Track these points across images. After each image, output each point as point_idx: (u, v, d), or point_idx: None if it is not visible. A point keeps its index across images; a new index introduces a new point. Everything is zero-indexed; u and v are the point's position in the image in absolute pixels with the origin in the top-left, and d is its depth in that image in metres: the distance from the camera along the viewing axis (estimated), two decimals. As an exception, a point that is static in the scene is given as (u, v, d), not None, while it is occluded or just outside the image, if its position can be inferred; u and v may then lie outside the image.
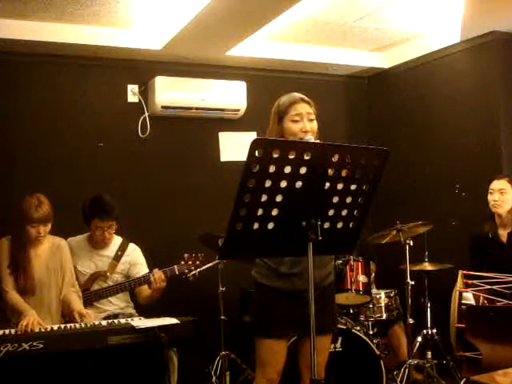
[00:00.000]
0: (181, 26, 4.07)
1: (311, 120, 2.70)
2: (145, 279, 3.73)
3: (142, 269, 3.87)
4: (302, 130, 2.66)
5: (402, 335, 4.42)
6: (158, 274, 3.70)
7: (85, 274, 3.76)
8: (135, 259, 3.89)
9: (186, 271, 3.85)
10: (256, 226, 2.09)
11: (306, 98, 2.75)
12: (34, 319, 3.02)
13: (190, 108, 4.75)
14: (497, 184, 3.97)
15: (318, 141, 2.60)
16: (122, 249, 3.86)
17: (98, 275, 3.79)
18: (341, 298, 3.96)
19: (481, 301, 3.75)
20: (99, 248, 3.83)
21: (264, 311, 2.76)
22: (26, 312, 3.15)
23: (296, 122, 2.68)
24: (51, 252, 3.45)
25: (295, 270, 2.68)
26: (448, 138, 4.80)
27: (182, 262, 3.86)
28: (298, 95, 2.75)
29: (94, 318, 3.28)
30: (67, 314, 3.34)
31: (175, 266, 3.81)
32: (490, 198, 3.98)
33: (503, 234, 4.01)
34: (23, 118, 4.38)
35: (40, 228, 3.31)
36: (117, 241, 3.90)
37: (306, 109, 2.70)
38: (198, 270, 3.90)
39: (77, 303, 3.36)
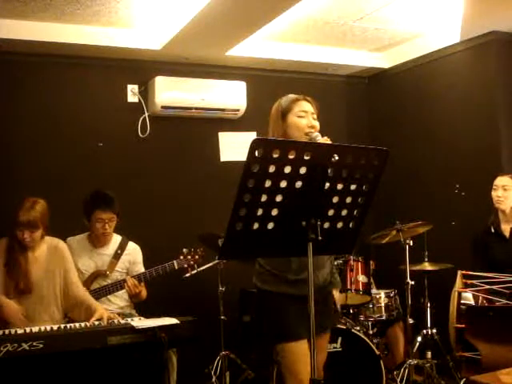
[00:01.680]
0: (181, 26, 4.07)
1: (314, 118, 2.72)
2: (120, 285, 3.76)
3: (139, 267, 3.89)
4: (308, 125, 2.67)
5: (400, 335, 4.43)
6: (131, 281, 3.73)
7: (85, 272, 3.76)
8: (135, 258, 3.90)
9: (186, 266, 3.86)
10: (256, 226, 2.08)
11: (308, 98, 2.76)
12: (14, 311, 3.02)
13: (190, 108, 4.75)
14: (500, 180, 4.03)
15: (325, 137, 2.61)
16: (122, 247, 3.87)
17: (97, 274, 3.79)
18: (341, 298, 3.96)
19: (480, 301, 3.75)
20: (99, 246, 3.84)
21: (277, 318, 2.69)
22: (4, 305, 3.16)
23: (301, 117, 2.69)
24: (49, 254, 3.40)
25: (302, 276, 2.65)
26: (448, 138, 4.80)
27: (181, 257, 3.87)
28: (299, 95, 2.77)
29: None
30: (85, 317, 3.25)
31: (174, 261, 3.83)
32: (493, 193, 4.04)
33: (506, 228, 4.04)
34: (23, 117, 4.38)
35: (25, 232, 3.22)
36: (116, 239, 3.90)
37: (309, 107, 2.72)
38: (197, 270, 3.91)
39: (99, 306, 3.31)
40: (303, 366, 2.66)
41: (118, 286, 3.76)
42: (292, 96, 2.76)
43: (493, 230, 4.07)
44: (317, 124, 2.71)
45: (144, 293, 3.83)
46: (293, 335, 2.66)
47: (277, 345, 2.72)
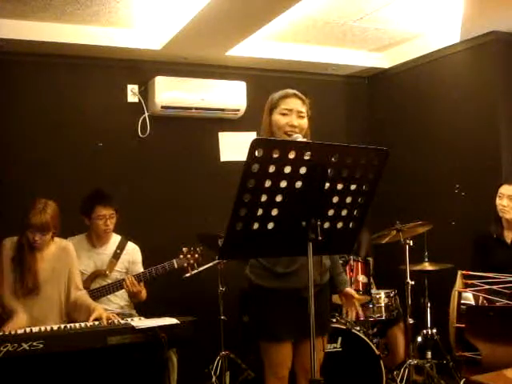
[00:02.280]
0: (181, 26, 4.07)
1: (301, 117, 2.67)
2: (119, 284, 3.76)
3: (138, 267, 3.90)
4: (289, 124, 2.63)
5: (400, 336, 4.43)
6: (130, 279, 3.73)
7: (85, 272, 3.77)
8: (135, 258, 3.91)
9: (185, 265, 3.86)
10: (256, 226, 2.08)
11: (300, 95, 2.71)
12: (18, 326, 3.03)
13: (190, 108, 4.75)
14: (507, 189, 3.92)
15: (305, 139, 2.57)
16: (121, 247, 3.88)
17: (97, 274, 3.79)
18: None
19: (480, 301, 3.75)
20: (98, 246, 3.85)
21: (264, 316, 2.73)
22: (14, 315, 3.16)
23: (284, 115, 2.65)
24: (57, 255, 3.42)
25: (291, 268, 2.67)
26: (448, 138, 4.80)
27: (181, 256, 3.87)
28: (291, 91, 2.72)
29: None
30: (85, 318, 3.25)
31: (174, 260, 3.83)
32: (498, 201, 3.95)
33: (508, 235, 4.01)
34: (23, 117, 4.38)
35: (36, 235, 3.24)
36: (115, 239, 3.91)
37: (297, 105, 2.67)
38: (198, 270, 3.91)
39: (98, 306, 3.32)
40: (284, 368, 2.70)
41: (118, 285, 3.76)
42: (282, 92, 2.72)
43: (495, 236, 4.04)
44: (301, 123, 2.65)
45: (144, 293, 3.83)
46: (276, 337, 2.69)
47: (260, 342, 2.75)
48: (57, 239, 3.44)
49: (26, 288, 3.26)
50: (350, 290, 3.10)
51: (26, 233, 3.26)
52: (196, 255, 3.91)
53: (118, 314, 3.68)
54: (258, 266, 2.74)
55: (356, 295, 3.11)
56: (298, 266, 2.65)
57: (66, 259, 3.43)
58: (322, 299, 2.71)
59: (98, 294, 3.72)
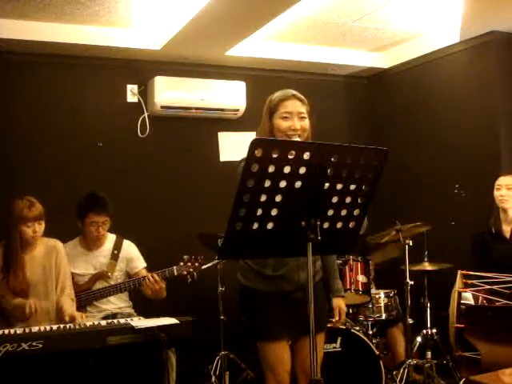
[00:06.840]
0: (180, 26, 4.07)
1: (302, 118, 2.64)
2: (138, 282, 3.75)
3: (138, 263, 3.88)
4: (291, 128, 2.61)
5: (399, 336, 4.43)
6: (151, 278, 3.70)
7: (84, 275, 3.76)
8: (130, 254, 3.89)
9: (185, 273, 3.85)
10: (255, 225, 2.08)
11: (299, 95, 2.68)
12: (34, 302, 3.10)
13: (190, 108, 4.75)
14: (504, 180, 4.03)
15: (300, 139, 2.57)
16: (118, 247, 3.86)
17: (99, 276, 3.79)
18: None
19: (480, 301, 3.75)
20: (94, 249, 3.84)
21: (257, 316, 2.74)
22: (24, 302, 3.20)
23: (285, 118, 2.62)
24: (47, 253, 3.45)
25: (280, 272, 2.67)
26: (447, 138, 4.80)
27: (182, 264, 3.86)
28: (290, 92, 2.68)
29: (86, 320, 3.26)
30: (61, 318, 3.32)
31: (174, 267, 3.81)
32: (496, 193, 4.04)
33: (507, 229, 4.05)
34: (22, 118, 4.38)
35: (35, 227, 3.33)
36: (111, 239, 3.90)
37: (296, 107, 2.64)
38: (196, 272, 3.90)
39: (69, 306, 3.34)
40: (282, 366, 2.69)
41: (121, 287, 3.76)
42: (281, 94, 2.68)
43: (493, 231, 4.07)
44: (303, 124, 2.63)
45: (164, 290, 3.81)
46: (271, 336, 2.69)
47: (257, 342, 2.75)
48: (44, 238, 3.46)
49: (16, 292, 3.29)
50: (336, 304, 3.13)
51: (24, 230, 3.30)
52: (196, 264, 3.89)
53: (116, 314, 3.70)
54: (247, 268, 2.74)
55: (337, 317, 3.16)
56: (286, 269, 2.65)
57: (54, 257, 3.46)
58: (317, 300, 2.71)
59: (99, 295, 3.72)
